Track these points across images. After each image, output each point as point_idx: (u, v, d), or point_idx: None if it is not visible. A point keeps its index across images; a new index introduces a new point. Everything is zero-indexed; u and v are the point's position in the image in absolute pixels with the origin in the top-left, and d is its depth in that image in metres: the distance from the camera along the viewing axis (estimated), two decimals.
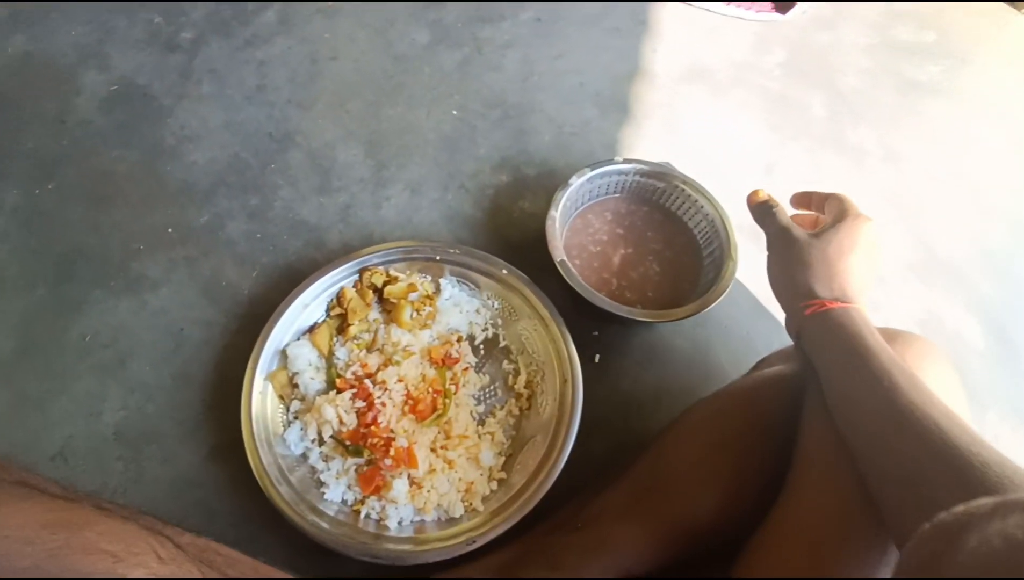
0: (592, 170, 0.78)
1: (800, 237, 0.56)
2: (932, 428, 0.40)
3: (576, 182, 0.77)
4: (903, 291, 0.84)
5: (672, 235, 0.80)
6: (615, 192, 0.82)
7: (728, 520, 0.54)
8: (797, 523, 0.49)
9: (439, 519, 0.62)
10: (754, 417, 0.58)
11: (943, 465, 0.37)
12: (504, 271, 0.73)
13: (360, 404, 0.64)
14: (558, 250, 0.72)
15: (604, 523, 0.55)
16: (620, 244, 0.79)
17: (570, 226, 0.80)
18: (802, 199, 0.65)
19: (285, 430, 0.65)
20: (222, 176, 0.85)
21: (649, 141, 0.93)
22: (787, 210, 0.62)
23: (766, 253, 0.60)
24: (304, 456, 0.65)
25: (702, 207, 0.77)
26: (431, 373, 0.69)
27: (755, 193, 0.63)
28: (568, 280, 0.70)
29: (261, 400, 0.65)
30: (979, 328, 0.81)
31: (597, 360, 0.75)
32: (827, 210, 0.59)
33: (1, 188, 0.82)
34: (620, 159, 0.79)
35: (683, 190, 0.78)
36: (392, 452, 0.61)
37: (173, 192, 0.83)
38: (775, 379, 0.61)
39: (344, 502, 0.62)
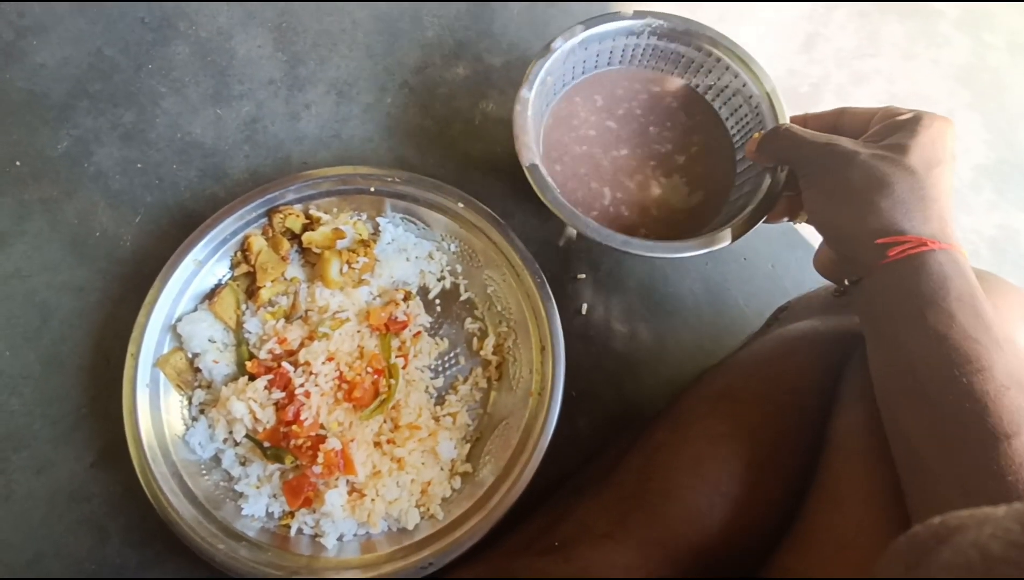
0: (587, 29, 0.54)
1: (860, 151, 0.39)
2: None
3: (562, 47, 0.54)
4: (971, 200, 0.67)
5: (690, 129, 0.58)
6: (620, 63, 0.59)
7: (743, 533, 0.42)
8: (826, 542, 0.38)
9: (390, 530, 0.50)
10: (774, 395, 0.44)
11: None
12: (460, 205, 0.55)
13: (278, 395, 0.50)
14: (529, 149, 0.51)
15: (584, 545, 0.43)
16: (611, 143, 0.58)
17: (552, 112, 0.58)
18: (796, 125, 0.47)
19: (188, 430, 0.51)
20: (82, 83, 0.63)
21: (652, 7, 0.70)
22: None
23: (803, 188, 0.42)
24: (216, 459, 0.51)
25: (744, 85, 0.55)
26: (372, 344, 0.54)
27: (753, 138, 0.48)
28: (541, 194, 0.50)
29: (150, 394, 0.50)
30: None
31: (584, 311, 0.60)
32: (873, 122, 0.42)
33: None
34: (632, 11, 0.56)
35: (719, 59, 0.55)
36: (321, 458, 0.47)
37: (16, 108, 0.62)
38: (804, 340, 0.47)
39: (270, 515, 0.50)
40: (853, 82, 0.70)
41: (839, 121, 0.45)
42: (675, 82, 0.60)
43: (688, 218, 0.56)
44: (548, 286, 0.53)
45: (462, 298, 0.58)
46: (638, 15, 0.56)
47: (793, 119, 0.50)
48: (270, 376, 0.50)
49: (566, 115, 0.58)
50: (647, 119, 0.59)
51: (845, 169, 0.38)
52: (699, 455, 0.43)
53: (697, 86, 0.59)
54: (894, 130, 0.39)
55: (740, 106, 0.56)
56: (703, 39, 0.56)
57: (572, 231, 0.61)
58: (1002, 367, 0.32)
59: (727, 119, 0.58)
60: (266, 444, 0.49)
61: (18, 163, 0.60)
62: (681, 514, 0.41)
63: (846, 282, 0.41)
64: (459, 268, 0.58)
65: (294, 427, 0.48)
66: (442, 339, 0.57)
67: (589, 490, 0.47)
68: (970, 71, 0.71)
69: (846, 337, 0.45)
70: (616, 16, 0.56)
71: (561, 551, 0.42)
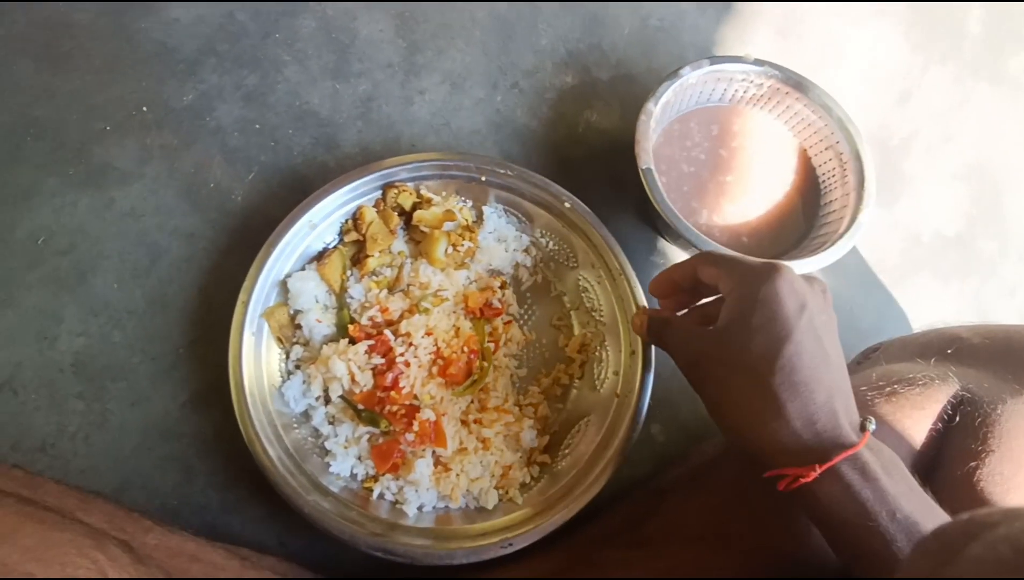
0: (713, 65, 0.60)
1: (704, 350, 0.38)
2: None
3: (690, 75, 0.59)
4: None
5: (782, 170, 0.63)
6: (730, 101, 0.64)
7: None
8: None
9: (467, 507, 0.51)
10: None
11: None
12: (567, 205, 0.57)
13: (378, 361, 0.51)
14: (646, 153, 0.56)
15: (675, 544, 0.43)
16: (720, 168, 0.62)
17: (664, 132, 0.63)
18: (663, 285, 0.45)
19: (284, 382, 0.53)
20: (211, 42, 0.66)
21: (754, 47, 0.73)
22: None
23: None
24: (306, 415, 0.53)
25: (837, 143, 0.60)
26: (466, 326, 0.55)
27: (636, 314, 0.50)
28: (651, 194, 0.55)
29: (254, 342, 0.52)
30: None
31: None
32: (722, 284, 0.39)
33: None
34: (752, 58, 0.61)
35: (821, 115, 0.61)
36: (416, 426, 0.49)
37: (147, 57, 0.64)
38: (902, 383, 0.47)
39: (353, 476, 0.51)
40: (943, 140, 0.72)
41: (693, 274, 0.42)
42: (779, 127, 0.64)
43: (771, 246, 0.61)
44: (644, 293, 0.55)
45: (552, 294, 0.60)
46: (758, 62, 0.61)
47: (657, 280, 0.46)
48: (371, 342, 0.52)
49: (679, 134, 0.63)
50: (756, 152, 0.63)
51: (706, 375, 0.39)
52: None
53: (795, 129, 0.64)
54: (727, 321, 0.37)
55: (829, 160, 0.61)
56: (812, 94, 0.60)
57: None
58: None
59: (816, 165, 0.63)
60: (360, 407, 0.51)
61: (144, 108, 0.62)
62: (783, 528, 0.41)
63: None
64: (552, 264, 0.60)
65: (392, 393, 0.50)
66: (529, 331, 0.58)
67: (675, 493, 0.48)
68: None
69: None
70: (738, 59, 0.61)
71: (651, 547, 0.43)
